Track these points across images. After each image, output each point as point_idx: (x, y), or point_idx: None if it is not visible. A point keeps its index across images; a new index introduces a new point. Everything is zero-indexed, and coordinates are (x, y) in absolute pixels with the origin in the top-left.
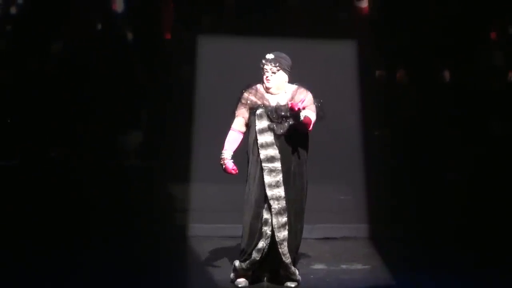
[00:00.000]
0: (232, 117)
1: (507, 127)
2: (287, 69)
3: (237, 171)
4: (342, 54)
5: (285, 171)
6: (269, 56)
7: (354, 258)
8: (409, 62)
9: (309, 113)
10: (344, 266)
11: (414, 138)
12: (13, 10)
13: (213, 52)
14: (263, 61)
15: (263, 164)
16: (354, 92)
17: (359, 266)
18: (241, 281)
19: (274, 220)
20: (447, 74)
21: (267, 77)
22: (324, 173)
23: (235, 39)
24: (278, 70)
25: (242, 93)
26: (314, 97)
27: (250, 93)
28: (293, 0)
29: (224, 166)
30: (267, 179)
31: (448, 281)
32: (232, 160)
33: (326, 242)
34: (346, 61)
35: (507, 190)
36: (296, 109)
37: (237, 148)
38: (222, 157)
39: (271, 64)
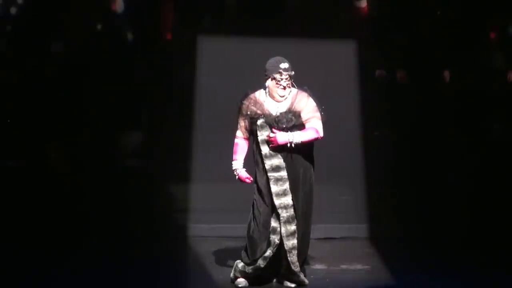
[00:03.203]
0: (231, 119)
1: (508, 128)
2: None
3: (251, 179)
4: (342, 54)
5: (292, 179)
6: (285, 64)
7: (354, 258)
8: (409, 62)
9: (314, 123)
10: (344, 266)
11: (414, 137)
12: (13, 10)
13: (213, 52)
14: (281, 70)
15: (269, 174)
16: (354, 92)
17: (359, 266)
18: (241, 281)
19: (283, 229)
20: (447, 74)
21: (284, 87)
22: (324, 173)
23: (235, 39)
24: (291, 78)
25: (241, 104)
26: (316, 101)
27: (250, 102)
28: (293, 1)
29: (237, 177)
30: (274, 188)
31: (448, 281)
32: (244, 169)
33: (326, 242)
34: (346, 61)
35: (508, 190)
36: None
37: (246, 154)
38: (234, 168)
39: (287, 72)
